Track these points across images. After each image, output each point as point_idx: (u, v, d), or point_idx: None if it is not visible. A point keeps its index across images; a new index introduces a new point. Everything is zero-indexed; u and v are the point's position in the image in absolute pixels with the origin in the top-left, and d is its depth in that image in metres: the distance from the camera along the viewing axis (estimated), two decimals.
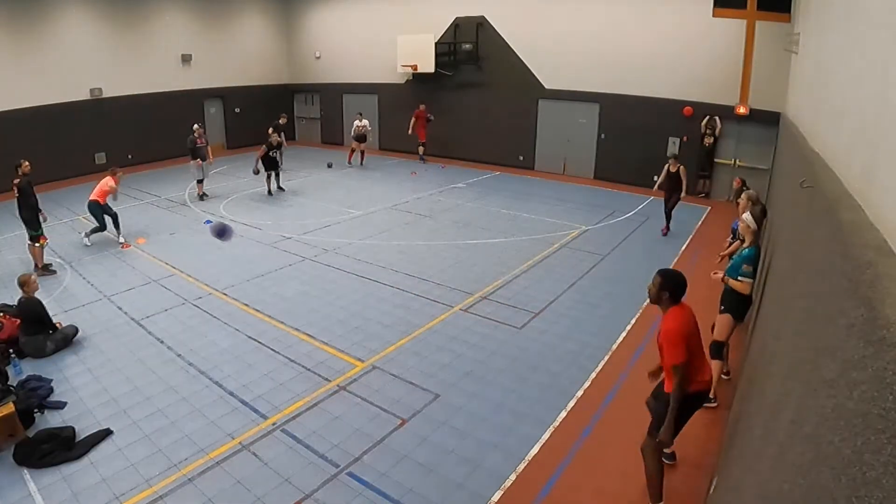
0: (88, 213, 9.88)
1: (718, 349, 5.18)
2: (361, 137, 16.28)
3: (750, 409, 3.16)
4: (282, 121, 14.58)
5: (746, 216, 5.02)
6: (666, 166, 10.08)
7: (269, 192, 13.09)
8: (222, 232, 6.52)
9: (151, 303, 7.39)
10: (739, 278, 4.87)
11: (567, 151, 15.33)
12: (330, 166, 16.30)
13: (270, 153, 12.72)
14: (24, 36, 13.68)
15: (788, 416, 1.88)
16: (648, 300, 3.84)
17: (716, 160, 12.92)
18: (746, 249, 4.91)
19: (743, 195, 6.05)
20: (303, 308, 7.23)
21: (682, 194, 10.12)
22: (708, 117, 12.58)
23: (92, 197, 9.41)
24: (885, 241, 1.71)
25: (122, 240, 9.72)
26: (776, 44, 10.79)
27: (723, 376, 5.73)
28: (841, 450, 1.20)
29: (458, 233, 10.43)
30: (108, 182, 9.47)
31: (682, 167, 10.02)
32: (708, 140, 12.67)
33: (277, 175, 13.23)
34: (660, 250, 9.47)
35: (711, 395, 5.11)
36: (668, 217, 10.41)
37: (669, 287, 3.66)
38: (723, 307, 5.11)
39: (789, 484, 1.56)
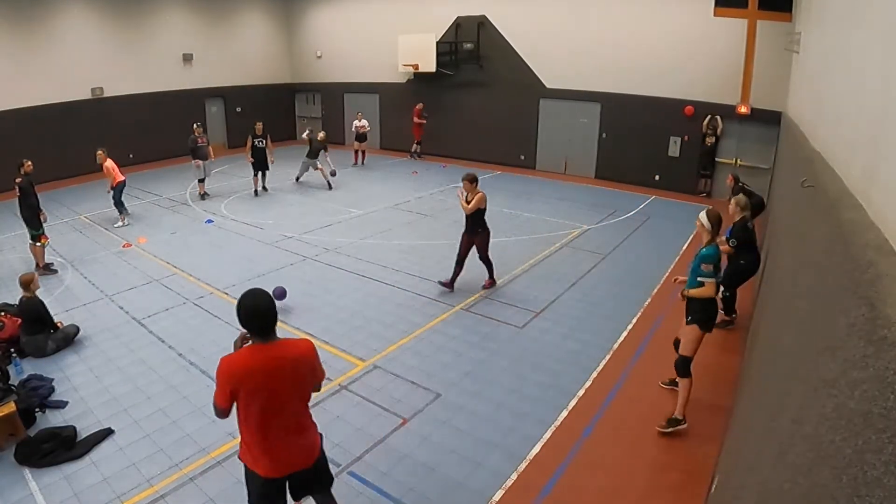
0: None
1: (685, 365, 4.62)
2: (362, 137, 16.36)
3: (750, 409, 3.16)
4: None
5: (702, 215, 4.65)
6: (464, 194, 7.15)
7: (256, 193, 13.01)
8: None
9: (153, 302, 7.40)
10: (699, 279, 4.50)
11: (568, 151, 15.32)
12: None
13: (256, 142, 12.56)
14: (26, 35, 13.69)
15: (789, 416, 1.88)
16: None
17: (717, 160, 12.91)
18: (703, 249, 4.55)
19: (732, 201, 5.98)
20: (304, 307, 7.24)
21: (481, 233, 7.23)
22: (709, 117, 12.56)
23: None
24: (887, 240, 1.71)
25: (119, 223, 10.64)
26: (777, 43, 10.77)
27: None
28: (842, 449, 1.20)
29: (460, 232, 10.36)
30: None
31: (480, 194, 6.89)
32: (709, 140, 12.66)
33: (264, 175, 13.07)
34: (660, 250, 9.46)
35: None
36: (476, 262, 7.50)
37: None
38: (689, 317, 4.64)
39: (790, 484, 1.56)
